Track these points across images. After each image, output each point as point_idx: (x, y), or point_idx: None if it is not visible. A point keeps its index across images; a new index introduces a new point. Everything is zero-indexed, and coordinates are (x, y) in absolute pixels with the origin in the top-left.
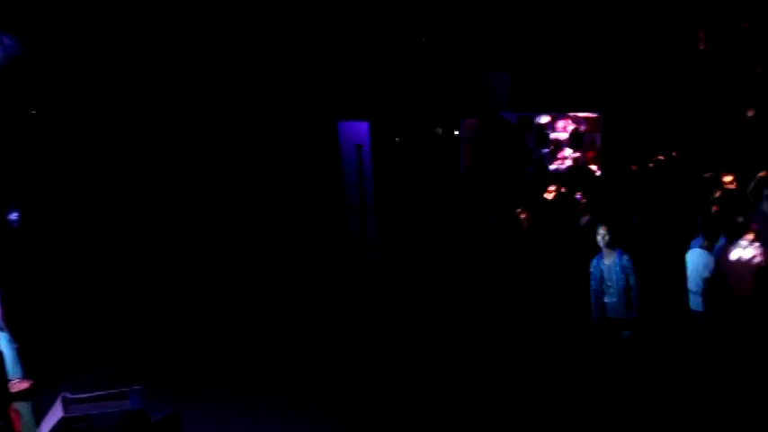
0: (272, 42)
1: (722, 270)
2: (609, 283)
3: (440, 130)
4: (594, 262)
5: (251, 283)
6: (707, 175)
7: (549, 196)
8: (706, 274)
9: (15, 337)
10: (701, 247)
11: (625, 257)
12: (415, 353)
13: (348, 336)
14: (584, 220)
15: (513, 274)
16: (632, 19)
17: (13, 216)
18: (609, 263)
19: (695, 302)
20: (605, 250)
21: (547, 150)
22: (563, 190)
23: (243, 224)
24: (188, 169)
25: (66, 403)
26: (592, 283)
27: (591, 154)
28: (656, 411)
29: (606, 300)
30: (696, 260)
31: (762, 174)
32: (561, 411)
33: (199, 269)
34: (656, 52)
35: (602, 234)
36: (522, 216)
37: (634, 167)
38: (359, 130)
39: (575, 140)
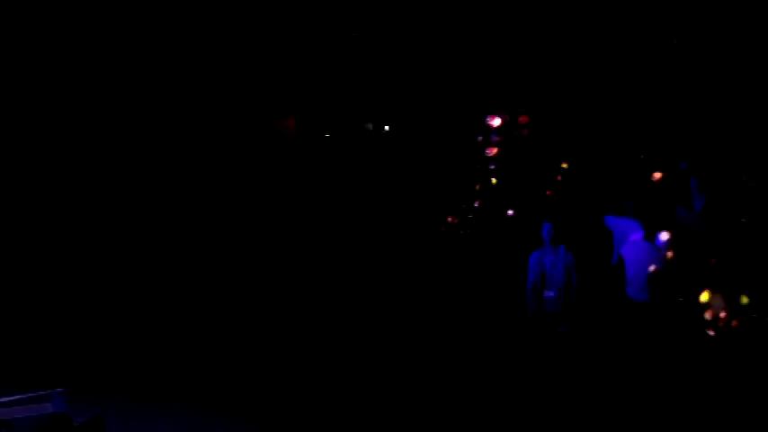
0: (204, 40)
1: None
2: (550, 278)
3: (370, 126)
4: (536, 255)
5: (178, 282)
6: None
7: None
8: (654, 266)
9: None
10: (644, 239)
11: (569, 255)
12: (346, 353)
13: (275, 338)
14: (510, 213)
15: (446, 267)
16: (561, 17)
17: None
18: (552, 258)
19: (638, 293)
20: (549, 245)
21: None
22: (493, 181)
23: (173, 222)
24: (125, 170)
25: None
26: (530, 275)
27: (519, 150)
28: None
29: (545, 294)
30: (642, 252)
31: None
32: (494, 405)
33: (126, 269)
34: (582, 50)
35: (547, 229)
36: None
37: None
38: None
39: (503, 136)
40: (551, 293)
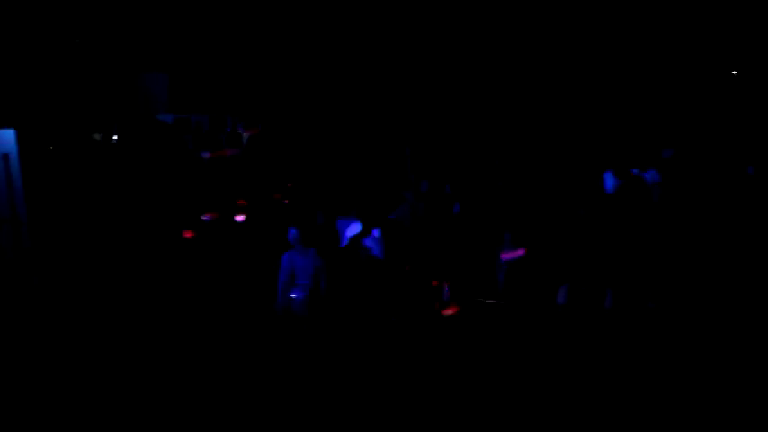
0: None
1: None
2: (300, 281)
3: (98, 136)
4: (287, 255)
5: None
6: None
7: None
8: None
9: None
10: (362, 235)
11: (319, 259)
12: (97, 365)
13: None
14: (240, 218)
15: (175, 270)
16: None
17: None
18: (304, 261)
19: None
20: (299, 247)
21: (207, 152)
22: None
23: None
24: None
25: None
26: (280, 275)
27: (249, 153)
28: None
29: (294, 295)
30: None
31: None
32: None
33: None
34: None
35: (293, 233)
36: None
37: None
38: (4, 138)
39: (233, 141)
40: (299, 295)
